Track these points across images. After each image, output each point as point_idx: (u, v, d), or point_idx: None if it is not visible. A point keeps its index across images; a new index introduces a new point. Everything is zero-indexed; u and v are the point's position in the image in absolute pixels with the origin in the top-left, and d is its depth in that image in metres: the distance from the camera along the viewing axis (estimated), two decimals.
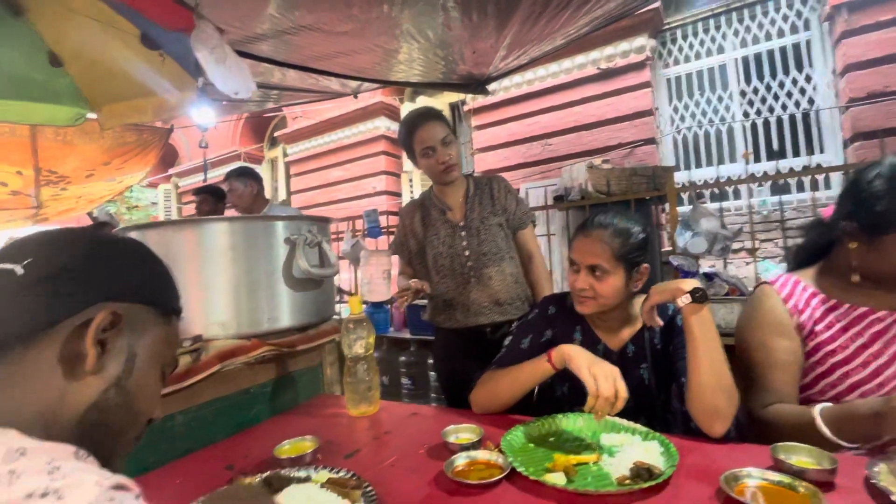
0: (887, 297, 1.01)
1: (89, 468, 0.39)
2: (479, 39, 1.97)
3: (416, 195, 1.77)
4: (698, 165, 4.26)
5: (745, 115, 4.10)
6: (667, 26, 4.35)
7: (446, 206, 1.68)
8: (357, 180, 6.07)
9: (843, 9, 3.53)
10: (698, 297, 0.96)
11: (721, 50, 4.22)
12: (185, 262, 1.20)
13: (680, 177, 4.01)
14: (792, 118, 3.91)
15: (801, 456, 0.78)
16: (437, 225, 1.67)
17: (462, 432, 0.98)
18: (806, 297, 1.08)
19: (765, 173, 3.67)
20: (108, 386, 0.49)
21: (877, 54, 3.45)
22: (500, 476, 0.79)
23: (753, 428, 1.03)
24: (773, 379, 1.04)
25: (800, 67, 3.90)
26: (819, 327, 1.04)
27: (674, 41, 4.40)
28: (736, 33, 4.15)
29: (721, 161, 4.15)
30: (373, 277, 2.15)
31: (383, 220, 3.54)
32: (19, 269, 0.46)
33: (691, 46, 4.33)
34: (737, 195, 4.03)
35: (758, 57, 4.06)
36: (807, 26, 3.90)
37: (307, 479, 0.82)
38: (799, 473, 0.73)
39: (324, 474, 0.83)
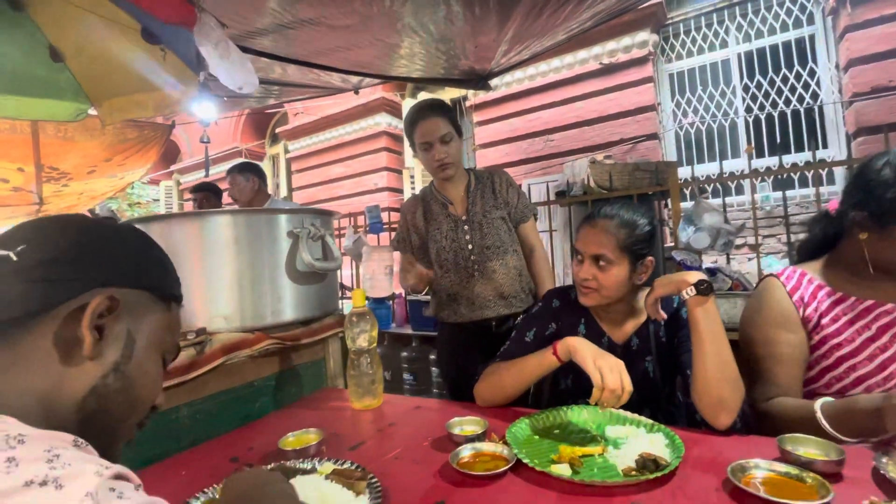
0: (894, 289, 1.00)
1: (89, 457, 0.39)
2: (482, 34, 1.96)
3: (418, 191, 1.77)
4: (701, 161, 4.24)
5: (748, 110, 4.09)
6: (669, 21, 4.33)
7: (447, 199, 1.68)
8: (358, 177, 6.06)
9: (847, 3, 3.51)
10: (703, 289, 0.95)
11: (724, 45, 4.20)
12: (188, 256, 1.20)
13: (682, 172, 4.00)
14: (795, 113, 3.90)
15: (809, 447, 0.78)
16: (440, 219, 1.67)
17: (467, 424, 0.97)
18: (812, 289, 1.07)
19: (768, 168, 3.66)
20: (107, 371, 0.49)
21: (881, 49, 3.43)
22: (506, 467, 0.79)
23: (756, 421, 1.03)
24: (777, 373, 1.04)
25: (803, 62, 3.88)
26: (825, 320, 1.04)
27: (676, 36, 4.38)
28: (739, 28, 4.13)
29: (724, 156, 4.13)
30: (375, 273, 2.15)
31: (385, 217, 3.53)
32: (13, 255, 0.46)
33: (694, 41, 4.31)
34: (739, 190, 4.02)
35: (761, 52, 4.04)
36: (810, 20, 3.88)
37: (312, 471, 0.82)
38: (806, 465, 0.73)
39: (328, 466, 0.83)
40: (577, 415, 1.04)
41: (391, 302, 3.32)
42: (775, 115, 3.96)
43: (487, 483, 0.77)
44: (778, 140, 3.93)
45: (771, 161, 3.90)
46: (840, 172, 3.63)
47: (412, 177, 5.78)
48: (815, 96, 3.85)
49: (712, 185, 3.78)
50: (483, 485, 0.77)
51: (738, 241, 3.72)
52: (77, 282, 0.48)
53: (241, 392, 1.22)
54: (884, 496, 0.66)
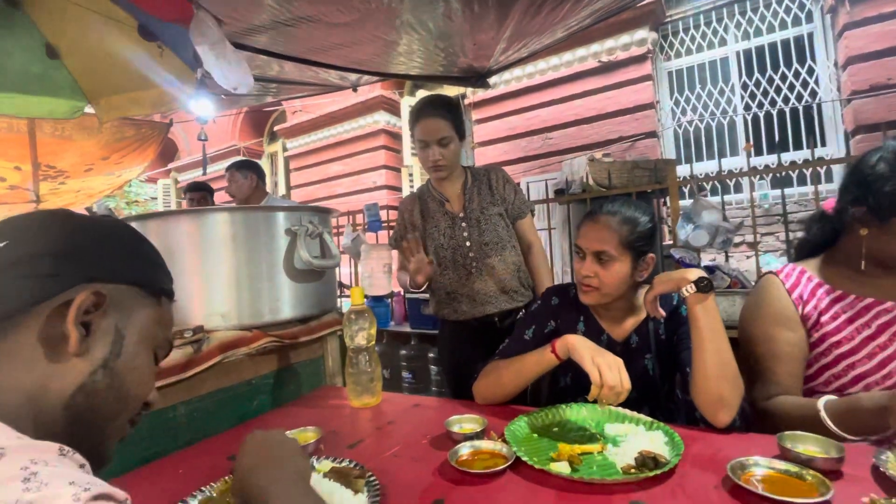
0: (894, 287, 1.00)
1: (70, 474, 0.36)
2: (480, 31, 1.95)
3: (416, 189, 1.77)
4: (700, 159, 4.25)
5: (747, 108, 4.09)
6: (668, 19, 4.32)
7: (444, 197, 1.68)
8: (357, 175, 6.05)
9: (846, 1, 3.51)
10: (703, 286, 0.95)
11: (723, 42, 4.20)
12: (186, 253, 1.19)
13: (681, 170, 4.00)
14: (794, 111, 3.90)
15: (808, 445, 0.78)
16: (437, 217, 1.67)
17: (466, 422, 0.97)
18: (811, 287, 1.07)
19: (766, 166, 3.66)
20: (95, 368, 0.48)
21: (879, 46, 3.43)
22: (505, 465, 0.79)
23: (756, 419, 1.03)
24: (777, 371, 1.04)
25: (802, 60, 3.88)
26: (824, 318, 1.03)
27: (675, 34, 4.38)
28: (738, 26, 4.12)
29: (723, 154, 4.14)
30: (374, 271, 2.15)
31: (384, 215, 3.53)
32: None
33: (693, 39, 4.30)
34: (738, 188, 4.02)
35: (759, 49, 4.04)
36: (809, 18, 3.88)
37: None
38: (806, 462, 0.73)
39: (326, 464, 0.83)
40: (577, 413, 1.03)
41: (390, 300, 3.32)
42: (774, 113, 3.96)
43: (486, 481, 0.77)
44: (777, 138, 3.93)
45: (770, 159, 3.90)
46: (838, 170, 3.62)
47: (411, 175, 5.77)
48: (813, 94, 3.85)
49: (711, 183, 3.77)
50: (482, 483, 0.77)
51: (737, 239, 3.72)
52: (61, 277, 0.47)
53: (238, 390, 1.21)
54: (884, 493, 0.66)
